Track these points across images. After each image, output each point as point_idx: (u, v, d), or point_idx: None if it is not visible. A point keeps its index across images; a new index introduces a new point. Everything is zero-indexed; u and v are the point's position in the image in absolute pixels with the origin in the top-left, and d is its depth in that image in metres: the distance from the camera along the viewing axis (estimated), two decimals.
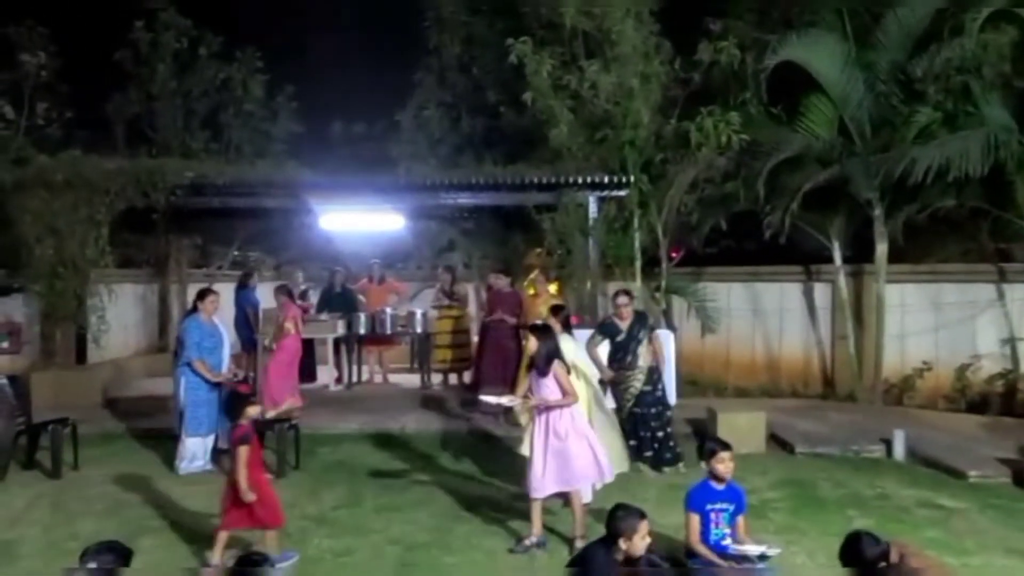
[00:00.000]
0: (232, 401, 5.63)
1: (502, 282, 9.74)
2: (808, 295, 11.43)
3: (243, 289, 11.62)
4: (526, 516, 5.88)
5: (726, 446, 4.83)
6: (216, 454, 7.50)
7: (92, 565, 3.37)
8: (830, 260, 10.89)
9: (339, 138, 15.79)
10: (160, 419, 9.15)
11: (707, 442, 4.97)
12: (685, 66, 10.68)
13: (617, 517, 3.82)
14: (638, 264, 10.64)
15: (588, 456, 5.48)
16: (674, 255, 11.80)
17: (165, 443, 7.92)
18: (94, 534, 5.58)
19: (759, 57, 10.34)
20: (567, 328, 6.69)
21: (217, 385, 7.33)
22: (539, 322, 6.48)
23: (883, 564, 3.54)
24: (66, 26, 13.21)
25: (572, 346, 6.33)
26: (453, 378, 11.43)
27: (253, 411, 5.37)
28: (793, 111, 10.56)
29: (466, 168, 12.34)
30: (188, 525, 5.90)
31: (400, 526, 5.82)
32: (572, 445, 5.42)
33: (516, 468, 7.39)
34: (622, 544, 3.79)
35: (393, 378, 12.00)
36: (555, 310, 6.92)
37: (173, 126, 14.20)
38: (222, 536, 5.11)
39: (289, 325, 9.15)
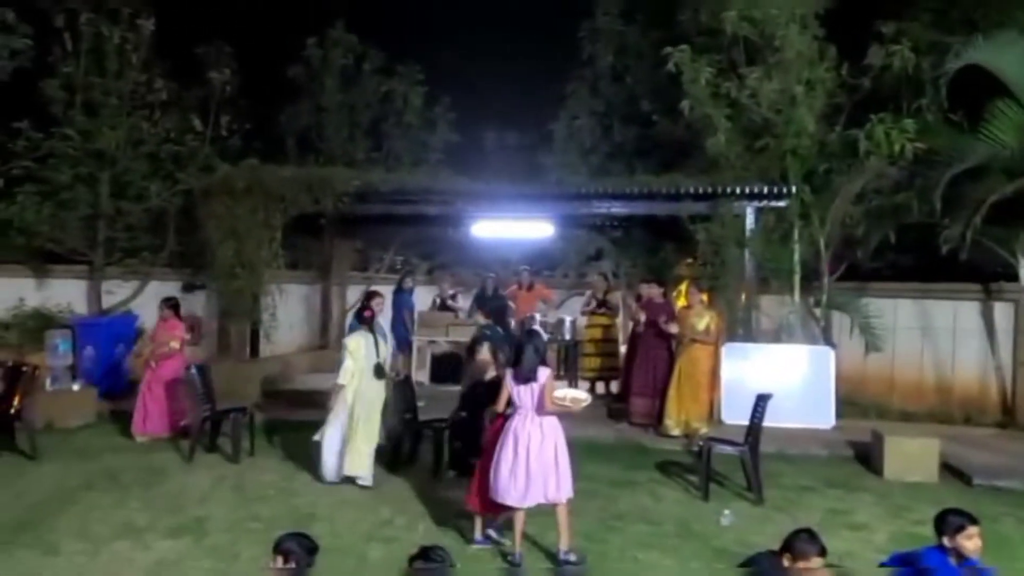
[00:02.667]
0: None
1: (654, 291, 9.64)
2: (987, 315, 10.59)
3: (400, 293, 12.12)
4: (682, 524, 5.85)
5: (974, 520, 3.90)
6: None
7: (288, 546, 3.62)
8: (1014, 278, 10.06)
9: (492, 147, 16.19)
10: (324, 412, 9.71)
11: (951, 515, 3.94)
12: (853, 71, 10.22)
13: (800, 537, 3.74)
14: (797, 277, 10.24)
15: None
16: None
17: None
18: (272, 517, 6.04)
19: (937, 60, 9.70)
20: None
21: None
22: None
23: None
24: (247, 44, 14.27)
25: None
26: (600, 386, 11.42)
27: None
28: (975, 118, 9.82)
29: (617, 177, 12.32)
30: (351, 514, 6.20)
31: (553, 534, 5.84)
32: None
33: (667, 478, 7.36)
34: (785, 561, 3.72)
35: None
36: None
37: (338, 136, 15.06)
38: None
39: (175, 343, 8.85)
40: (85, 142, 12.05)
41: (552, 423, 5.39)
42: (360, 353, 7.00)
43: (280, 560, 3.59)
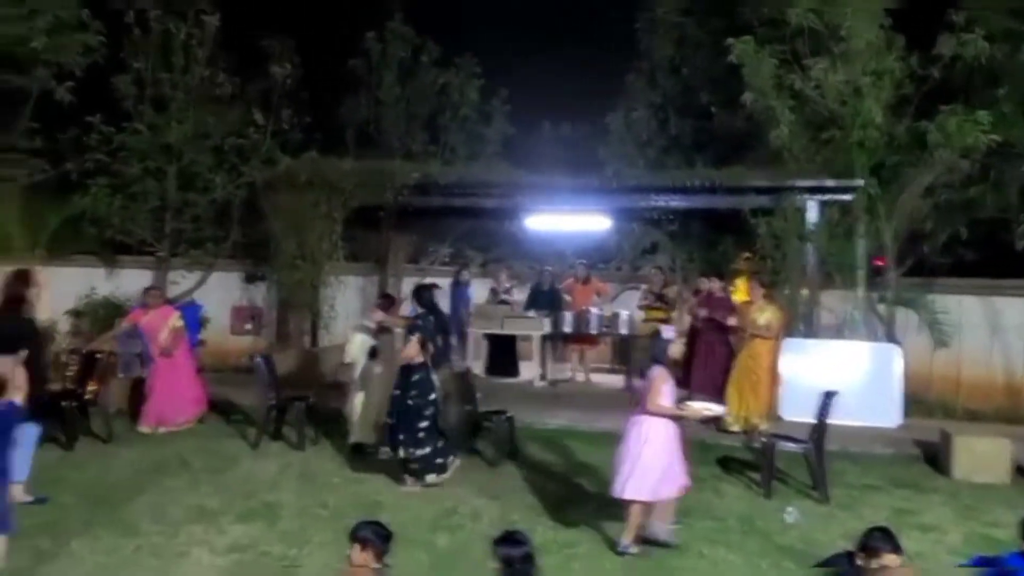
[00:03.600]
0: None
1: (715, 286, 9.54)
2: None
3: (457, 285, 12.21)
4: (746, 521, 5.82)
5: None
6: None
7: (364, 534, 3.69)
8: None
9: (547, 139, 16.15)
10: None
11: None
12: (922, 61, 9.95)
13: (873, 535, 3.71)
14: (862, 273, 10.04)
15: None
16: (880, 263, 10.95)
17: None
18: (338, 505, 6.18)
19: (1015, 49, 9.38)
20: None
21: None
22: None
23: None
24: (307, 38, 14.49)
25: None
26: None
27: None
28: None
29: (673, 170, 12.20)
30: (415, 502, 6.30)
31: (620, 526, 5.85)
32: None
33: (729, 474, 7.30)
34: (859, 560, 3.73)
35: (594, 377, 12.11)
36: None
37: (396, 129, 15.19)
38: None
39: (178, 323, 8.78)
40: (154, 136, 12.39)
41: (655, 424, 5.34)
42: None
43: (357, 548, 3.66)
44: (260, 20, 14.07)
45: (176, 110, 12.55)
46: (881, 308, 10.35)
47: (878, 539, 3.75)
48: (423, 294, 7.30)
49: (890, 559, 3.67)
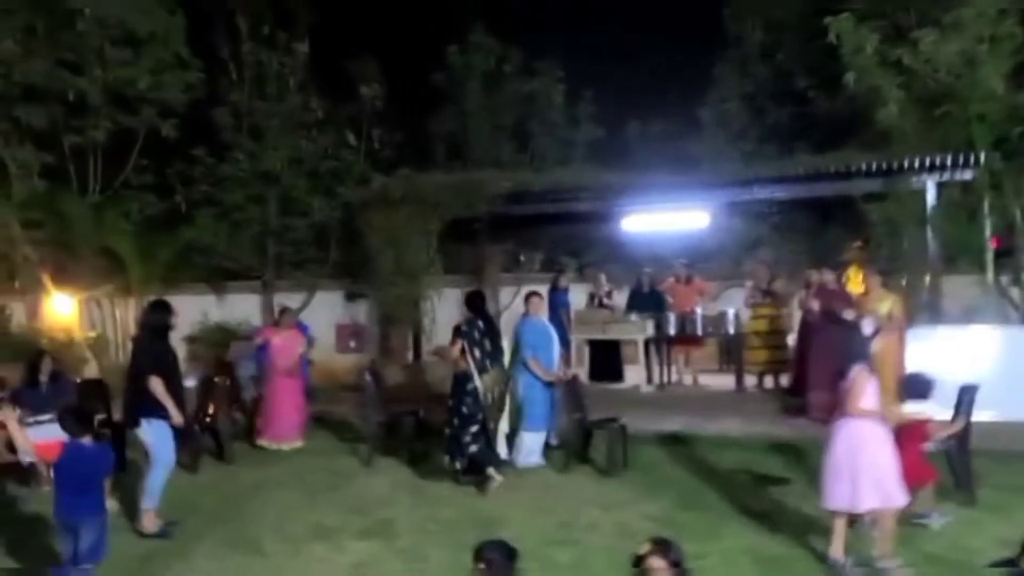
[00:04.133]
0: None
1: (828, 277, 9.05)
2: None
3: (555, 291, 12.05)
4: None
5: None
6: (547, 450, 7.82)
7: (490, 554, 3.57)
8: None
9: (636, 138, 15.85)
10: None
11: None
12: None
13: None
14: (990, 254, 9.36)
15: None
16: (994, 245, 10.14)
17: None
18: (453, 520, 6.12)
19: None
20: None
21: (550, 383, 7.62)
22: None
23: None
24: (392, 56, 14.72)
25: None
26: (768, 380, 10.90)
27: None
28: None
29: (772, 160, 11.73)
30: (529, 515, 6.17)
31: (751, 536, 5.58)
32: None
33: None
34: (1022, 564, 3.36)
35: (702, 379, 11.73)
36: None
37: (484, 139, 15.24)
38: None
39: (301, 349, 9.04)
40: (253, 164, 12.82)
41: (864, 427, 4.99)
42: None
43: (483, 567, 3.54)
44: (346, 43, 14.38)
45: (272, 137, 12.97)
46: (1014, 292, 9.61)
47: None
48: (472, 300, 7.41)
49: None
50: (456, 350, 7.04)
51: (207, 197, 12.72)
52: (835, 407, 8.48)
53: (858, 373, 4.96)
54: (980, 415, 7.25)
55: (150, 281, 12.01)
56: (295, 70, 13.10)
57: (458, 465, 6.99)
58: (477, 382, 6.99)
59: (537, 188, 10.91)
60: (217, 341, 12.23)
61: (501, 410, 7.26)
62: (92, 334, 12.34)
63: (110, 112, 11.73)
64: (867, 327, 5.46)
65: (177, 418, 5.99)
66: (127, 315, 12.55)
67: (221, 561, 5.46)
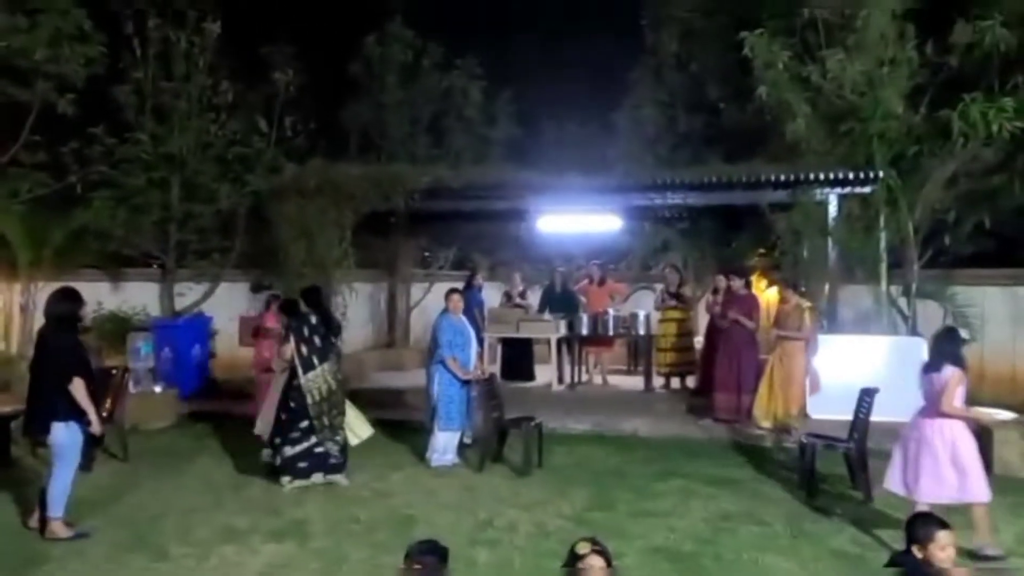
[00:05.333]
0: None
1: (736, 283, 9.36)
2: None
3: (469, 289, 11.97)
4: (793, 525, 5.67)
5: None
6: (462, 448, 7.79)
7: (420, 556, 3.51)
8: None
9: (553, 139, 15.97)
10: (399, 411, 9.71)
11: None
12: (937, 49, 9.80)
13: (915, 524, 3.58)
14: (883, 266, 9.88)
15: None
16: None
17: (411, 435, 8.35)
18: (371, 519, 6.00)
19: None
20: None
21: (467, 382, 7.59)
22: None
23: None
24: (308, 43, 14.33)
25: None
26: (675, 381, 11.20)
27: None
28: None
29: (684, 167, 12.03)
30: (449, 516, 6.11)
31: (661, 533, 5.69)
32: None
33: (766, 476, 7.13)
34: (916, 552, 3.59)
35: (612, 380, 11.93)
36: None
37: (399, 133, 15.02)
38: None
39: None
40: (156, 146, 12.22)
41: (956, 426, 5.27)
42: None
43: (418, 568, 3.47)
44: (261, 27, 13.91)
45: (178, 120, 12.40)
46: (902, 302, 10.18)
47: (921, 524, 3.62)
48: (307, 295, 7.35)
49: (942, 536, 3.53)
50: (289, 346, 6.95)
51: (105, 179, 12.00)
52: (738, 408, 8.88)
53: (952, 374, 5.22)
54: (873, 416, 7.67)
55: (39, 265, 11.26)
56: (204, 50, 12.52)
57: (277, 461, 6.98)
58: (301, 379, 6.91)
59: (456, 184, 10.80)
60: (110, 330, 11.59)
61: (336, 407, 7.06)
62: None
63: (0, 83, 10.92)
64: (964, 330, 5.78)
65: (98, 427, 5.67)
66: (12, 300, 11.75)
67: (122, 565, 5.17)
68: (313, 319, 7.09)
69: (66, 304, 5.68)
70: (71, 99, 11.26)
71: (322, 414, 6.93)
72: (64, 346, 5.57)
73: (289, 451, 6.89)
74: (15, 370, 10.14)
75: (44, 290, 11.04)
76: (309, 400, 6.89)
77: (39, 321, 10.74)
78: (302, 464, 6.88)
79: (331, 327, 7.25)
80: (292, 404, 6.94)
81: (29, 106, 11.23)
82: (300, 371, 6.89)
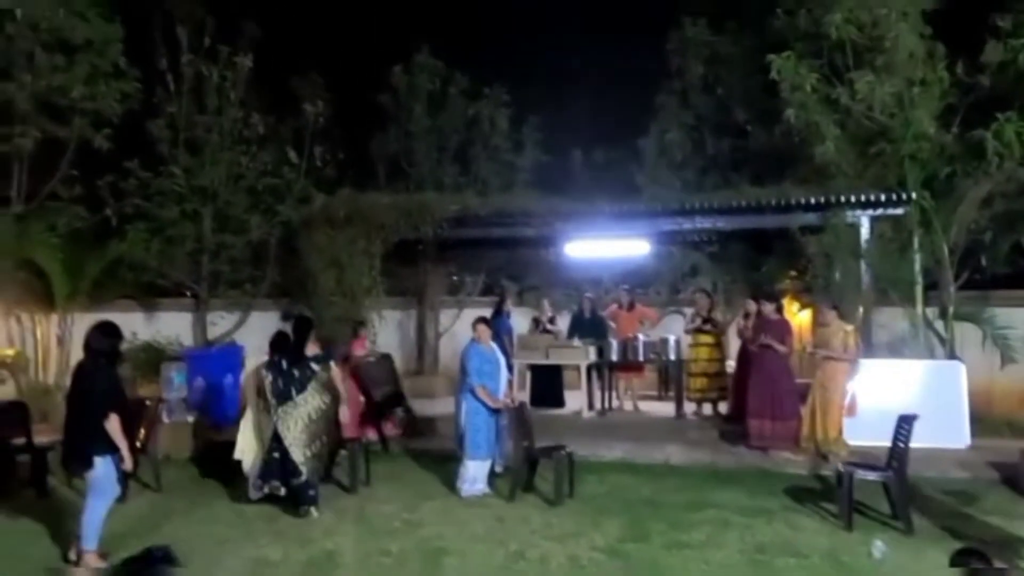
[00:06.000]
0: None
1: (768, 308, 9.24)
2: None
3: (498, 316, 11.98)
4: (831, 557, 5.50)
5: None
6: (492, 477, 7.73)
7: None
8: None
9: (580, 166, 15.99)
10: (430, 439, 9.67)
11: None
12: (968, 69, 9.70)
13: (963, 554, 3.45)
14: (919, 288, 9.72)
15: None
16: None
17: (442, 463, 8.31)
18: (401, 551, 5.95)
19: None
20: None
21: (496, 410, 7.55)
22: None
23: None
24: (337, 74, 14.55)
25: None
26: (707, 407, 11.05)
27: None
28: None
29: (711, 191, 11.97)
30: (480, 547, 6.05)
31: (697, 565, 5.59)
32: None
33: (801, 505, 6.98)
34: None
35: (643, 406, 11.82)
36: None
37: (427, 162, 15.14)
38: None
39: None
40: (189, 179, 12.44)
41: None
42: None
43: None
44: (290, 60, 14.16)
45: (210, 152, 12.64)
46: (939, 324, 9.99)
47: (970, 556, 3.48)
48: (275, 340, 7.50)
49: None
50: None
51: (139, 212, 12.25)
52: (772, 434, 8.73)
53: None
54: (913, 442, 7.51)
55: (76, 297, 11.48)
56: (236, 84, 12.78)
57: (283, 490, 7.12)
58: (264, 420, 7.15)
59: (484, 212, 10.85)
60: (145, 360, 11.75)
61: (302, 441, 7.07)
62: (11, 352, 11.71)
63: (39, 120, 11.20)
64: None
65: (129, 463, 5.76)
66: (49, 332, 11.95)
67: None
68: (282, 362, 7.21)
69: (106, 339, 5.76)
70: (107, 134, 11.51)
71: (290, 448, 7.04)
72: (102, 380, 5.64)
73: (296, 481, 7.03)
74: (52, 401, 10.31)
75: (81, 322, 11.28)
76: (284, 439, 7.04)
77: (75, 352, 11.00)
78: (311, 492, 7.03)
79: (298, 368, 7.22)
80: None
81: (66, 142, 11.50)
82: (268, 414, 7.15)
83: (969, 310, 9.84)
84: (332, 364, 7.52)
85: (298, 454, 7.01)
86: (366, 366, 9.70)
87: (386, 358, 10.34)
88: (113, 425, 5.55)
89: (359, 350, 9.70)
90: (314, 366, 7.27)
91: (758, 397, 9.00)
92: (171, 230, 12.34)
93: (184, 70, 12.51)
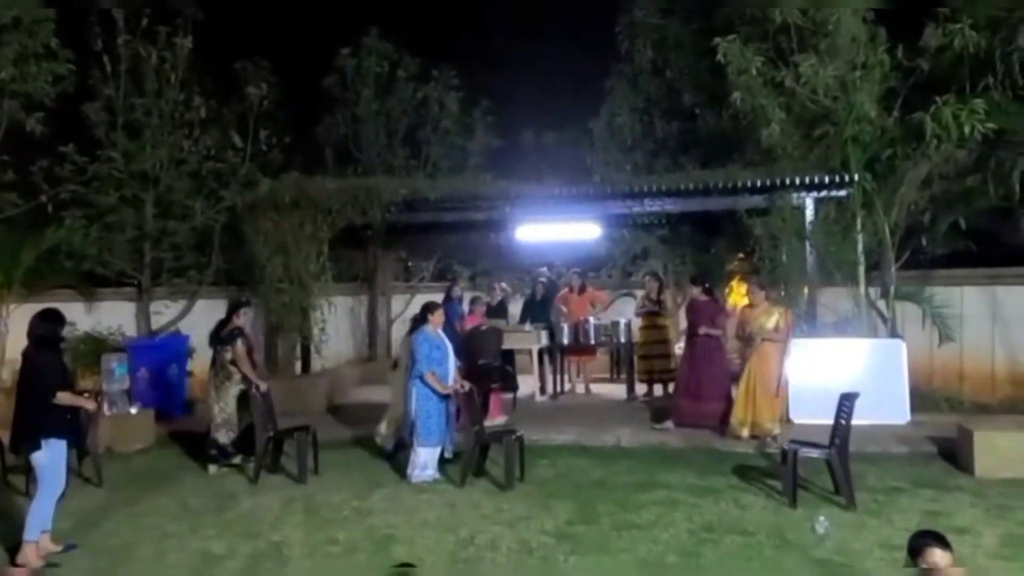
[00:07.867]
0: None
1: (695, 291, 9.29)
2: None
3: (449, 302, 11.89)
4: (776, 534, 5.60)
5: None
6: (443, 463, 7.69)
7: None
8: None
9: (530, 148, 15.95)
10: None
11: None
12: (909, 53, 9.87)
13: (920, 536, 3.49)
14: (861, 269, 9.91)
15: None
16: None
17: (393, 451, 8.25)
18: (350, 540, 5.88)
19: (1008, 36, 9.28)
20: None
21: (446, 396, 7.50)
22: None
23: None
24: (282, 57, 14.23)
25: None
26: (658, 388, 11.16)
27: None
28: None
29: (661, 174, 12.04)
30: (429, 535, 6.01)
31: (645, 545, 5.63)
32: None
33: (747, 484, 7.08)
34: (920, 563, 3.46)
35: (595, 388, 11.89)
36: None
37: (376, 145, 14.94)
38: None
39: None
40: (128, 163, 12.07)
41: None
42: None
43: None
44: (234, 42, 13.79)
45: (151, 136, 12.26)
46: (881, 304, 10.21)
47: (926, 538, 3.51)
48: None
49: (940, 556, 3.43)
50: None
51: (76, 198, 11.81)
52: (697, 414, 8.84)
53: None
54: (855, 419, 7.67)
55: (10, 286, 11.07)
56: (176, 65, 12.39)
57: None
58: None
59: (434, 196, 10.75)
60: (85, 352, 11.40)
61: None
62: None
63: None
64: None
65: (91, 404, 6.17)
66: None
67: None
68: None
69: (49, 325, 5.78)
70: (39, 117, 11.06)
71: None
72: (46, 365, 5.66)
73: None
74: None
75: (16, 312, 10.90)
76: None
77: (11, 344, 10.64)
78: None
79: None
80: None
81: None
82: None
83: (910, 289, 10.07)
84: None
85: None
86: (478, 336, 9.86)
87: (496, 331, 10.37)
88: (64, 397, 5.62)
89: (473, 322, 10.10)
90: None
91: (685, 377, 9.15)
92: (110, 217, 11.95)
93: (121, 51, 12.08)
